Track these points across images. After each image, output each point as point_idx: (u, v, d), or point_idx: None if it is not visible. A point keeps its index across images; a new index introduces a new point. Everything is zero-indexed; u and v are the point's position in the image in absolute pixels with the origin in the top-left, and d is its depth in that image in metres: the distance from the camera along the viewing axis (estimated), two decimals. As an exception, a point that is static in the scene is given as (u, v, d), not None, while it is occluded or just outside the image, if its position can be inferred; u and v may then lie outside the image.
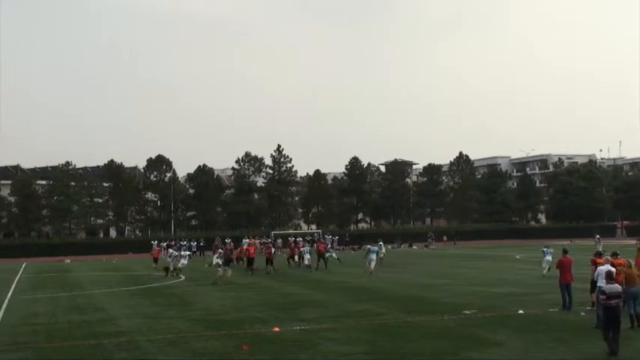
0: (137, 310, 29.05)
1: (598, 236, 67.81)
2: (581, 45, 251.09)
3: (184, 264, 52.13)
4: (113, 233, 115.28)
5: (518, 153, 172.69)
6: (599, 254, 24.98)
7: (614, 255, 24.20)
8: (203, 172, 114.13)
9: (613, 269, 21.58)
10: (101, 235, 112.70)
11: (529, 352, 17.79)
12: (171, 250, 54.95)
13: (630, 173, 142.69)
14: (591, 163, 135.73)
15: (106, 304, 31.90)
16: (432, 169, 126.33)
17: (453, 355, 17.71)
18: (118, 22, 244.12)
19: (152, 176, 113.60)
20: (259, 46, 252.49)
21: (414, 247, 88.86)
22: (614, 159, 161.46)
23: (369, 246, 50.09)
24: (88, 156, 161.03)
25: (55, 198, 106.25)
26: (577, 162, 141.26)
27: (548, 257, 41.30)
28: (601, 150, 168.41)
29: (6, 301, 34.48)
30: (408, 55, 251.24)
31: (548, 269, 40.05)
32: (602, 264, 22.61)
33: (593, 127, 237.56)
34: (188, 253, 59.76)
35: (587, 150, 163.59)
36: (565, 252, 25.91)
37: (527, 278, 38.82)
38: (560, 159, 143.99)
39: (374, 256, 46.96)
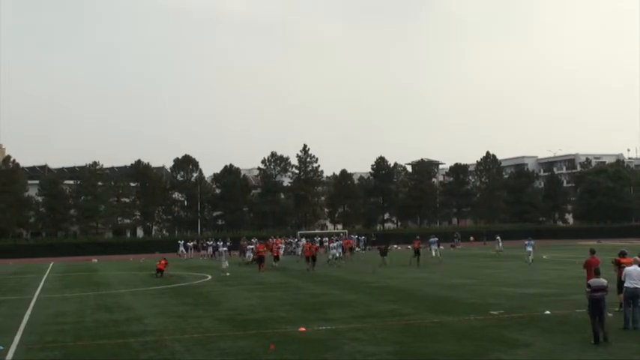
0: (164, 309, 29.13)
1: (498, 237, 68.93)
2: (608, 46, 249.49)
3: (250, 256, 55.72)
4: (140, 233, 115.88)
5: (545, 153, 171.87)
6: (623, 254, 24.69)
7: None
8: (229, 172, 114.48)
9: (631, 268, 21.51)
10: (128, 235, 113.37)
11: (556, 353, 17.68)
12: (222, 249, 56.65)
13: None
14: (619, 162, 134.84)
15: (133, 303, 32.05)
16: (458, 169, 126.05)
17: (479, 356, 17.62)
18: (140, 23, 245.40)
19: (179, 176, 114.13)
20: (285, 46, 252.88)
21: (441, 247, 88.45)
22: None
23: (431, 239, 61.10)
24: (115, 156, 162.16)
25: (82, 198, 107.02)
26: (605, 162, 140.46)
27: (529, 249, 52.68)
28: (629, 150, 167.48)
29: (34, 300, 34.74)
30: (435, 55, 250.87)
31: (532, 259, 51.48)
32: (629, 263, 22.44)
33: (621, 126, 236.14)
34: (252, 246, 61.64)
35: (614, 150, 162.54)
36: (592, 252, 25.61)
37: (554, 279, 38.61)
38: (587, 159, 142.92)
39: (435, 246, 59.06)
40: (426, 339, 20.11)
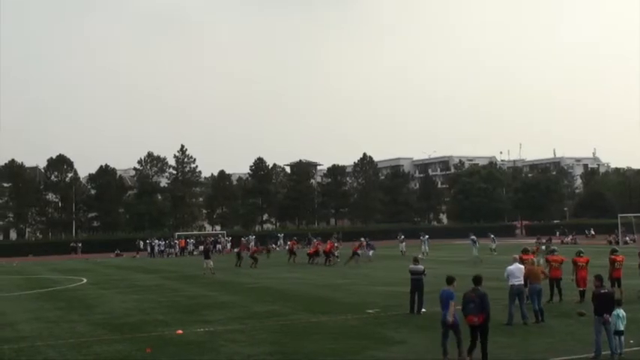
0: (38, 314, 28.47)
1: (492, 235, 70.18)
2: (499, 47, 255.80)
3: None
4: (13, 235, 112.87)
5: (420, 154, 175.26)
6: (525, 251, 26.25)
7: (525, 251, 25.61)
8: (105, 172, 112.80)
9: (521, 266, 22.49)
10: (1, 237, 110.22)
11: (430, 350, 18.01)
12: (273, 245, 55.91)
13: (530, 175, 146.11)
14: (492, 164, 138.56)
15: (6, 308, 31.17)
16: (336, 170, 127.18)
17: (355, 354, 17.91)
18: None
19: (53, 176, 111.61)
20: (163, 45, 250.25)
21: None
22: (514, 161, 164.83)
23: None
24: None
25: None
26: (478, 164, 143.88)
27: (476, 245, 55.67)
28: (501, 152, 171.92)
29: None
30: (314, 57, 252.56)
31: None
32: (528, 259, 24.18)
33: (495, 129, 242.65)
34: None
35: (487, 152, 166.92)
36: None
37: (429, 277, 39.05)
38: (461, 161, 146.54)
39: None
40: (303, 339, 20.31)
